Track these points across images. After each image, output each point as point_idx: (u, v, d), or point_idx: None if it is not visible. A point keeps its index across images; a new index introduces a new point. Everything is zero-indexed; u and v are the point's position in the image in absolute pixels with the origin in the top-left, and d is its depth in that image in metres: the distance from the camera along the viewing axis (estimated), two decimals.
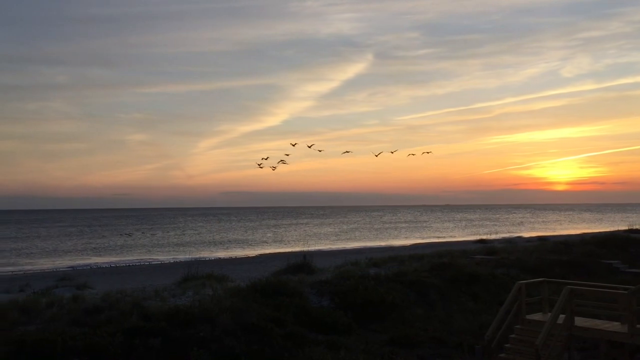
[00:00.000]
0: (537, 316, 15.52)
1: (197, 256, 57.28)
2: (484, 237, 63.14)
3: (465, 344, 16.22)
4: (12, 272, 46.14)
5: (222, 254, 62.25)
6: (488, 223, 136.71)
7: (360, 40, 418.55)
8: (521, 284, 15.78)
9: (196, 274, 22.69)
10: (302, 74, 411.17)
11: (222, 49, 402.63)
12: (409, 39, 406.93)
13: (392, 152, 32.23)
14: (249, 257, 56.79)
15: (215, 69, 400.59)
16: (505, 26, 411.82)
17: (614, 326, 14.03)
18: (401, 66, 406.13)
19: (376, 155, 30.78)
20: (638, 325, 13.35)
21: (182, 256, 58.64)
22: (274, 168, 28.63)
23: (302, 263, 25.58)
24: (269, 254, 59.08)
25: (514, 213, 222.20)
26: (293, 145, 28.62)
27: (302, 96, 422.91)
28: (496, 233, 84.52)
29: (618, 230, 53.87)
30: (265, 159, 28.55)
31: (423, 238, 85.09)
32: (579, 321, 14.43)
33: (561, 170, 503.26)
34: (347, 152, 31.95)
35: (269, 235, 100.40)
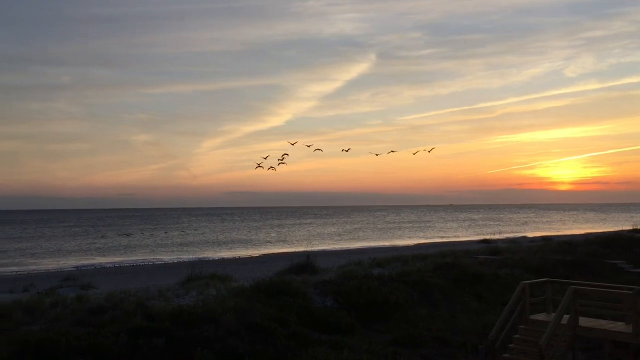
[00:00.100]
0: (541, 316, 15.49)
1: (201, 256, 57.39)
2: (488, 237, 63.08)
3: (468, 344, 16.20)
4: (17, 272, 46.29)
5: (225, 254, 62.30)
6: (491, 223, 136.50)
7: (363, 40, 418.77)
8: (525, 284, 15.75)
9: (200, 274, 22.73)
10: (305, 74, 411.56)
11: (226, 49, 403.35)
12: (411, 39, 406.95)
13: (393, 151, 32.09)
14: (252, 257, 56.83)
15: (218, 69, 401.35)
16: (509, 26, 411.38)
17: (619, 326, 13.99)
18: (404, 66, 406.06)
19: (376, 155, 30.82)
20: None
21: (186, 256, 58.72)
22: (273, 169, 28.48)
23: (305, 263, 25.57)
24: (273, 254, 59.10)
25: (518, 213, 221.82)
26: (292, 144, 28.47)
27: (306, 96, 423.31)
28: (500, 233, 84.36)
29: (622, 230, 53.69)
30: (265, 159, 28.43)
31: (426, 238, 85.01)
32: (583, 321, 14.40)
33: (565, 170, 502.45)
34: (346, 150, 31.94)
35: (272, 235, 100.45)
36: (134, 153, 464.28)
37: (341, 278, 21.42)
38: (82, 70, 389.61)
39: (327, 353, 13.94)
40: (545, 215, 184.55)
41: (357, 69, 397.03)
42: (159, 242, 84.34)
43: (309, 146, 29.18)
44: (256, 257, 55.28)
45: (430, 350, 16.03)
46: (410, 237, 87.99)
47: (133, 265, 50.28)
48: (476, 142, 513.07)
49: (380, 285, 20.83)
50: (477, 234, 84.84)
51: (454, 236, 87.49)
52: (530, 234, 77.74)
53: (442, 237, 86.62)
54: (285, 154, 28.49)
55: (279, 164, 28.37)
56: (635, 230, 48.90)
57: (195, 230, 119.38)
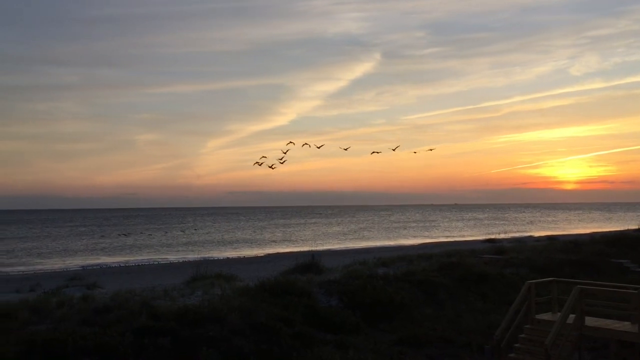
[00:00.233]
0: (546, 316, 15.46)
1: (206, 256, 57.47)
2: (493, 236, 62.95)
3: (474, 344, 16.20)
4: (23, 271, 46.53)
5: (230, 253, 62.40)
6: (496, 222, 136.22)
7: (368, 40, 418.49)
8: (531, 283, 15.72)
9: (205, 273, 22.78)
10: (310, 74, 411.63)
11: (230, 48, 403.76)
12: (416, 38, 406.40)
13: (395, 148, 31.96)
14: (257, 256, 56.90)
15: (223, 68, 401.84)
16: (513, 25, 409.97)
17: (625, 326, 13.95)
18: (409, 65, 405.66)
19: (378, 152, 30.86)
20: None
21: (191, 256, 58.82)
22: (273, 167, 28.51)
23: (310, 263, 25.60)
24: (278, 253, 59.17)
25: (523, 212, 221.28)
26: (293, 144, 28.44)
27: (310, 96, 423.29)
28: (505, 232, 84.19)
29: (628, 230, 53.43)
30: (264, 157, 28.45)
31: (431, 237, 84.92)
32: (589, 321, 14.36)
33: (570, 169, 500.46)
34: (345, 148, 31.93)
35: (277, 234, 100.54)
36: (139, 153, 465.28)
37: (346, 277, 21.43)
38: (88, 71, 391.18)
39: (332, 353, 13.95)
40: (550, 215, 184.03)
41: (362, 68, 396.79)
42: (164, 242, 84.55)
43: (307, 144, 29.26)
44: (261, 257, 55.35)
45: (435, 350, 16.03)
46: (415, 237, 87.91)
47: (138, 265, 50.42)
48: (481, 141, 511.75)
49: (385, 284, 20.84)
50: (482, 234, 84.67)
51: (459, 236, 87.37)
52: (535, 234, 77.53)
53: (447, 236, 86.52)
54: (284, 152, 28.55)
55: (281, 162, 28.43)
56: None
57: (195, 230, 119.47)
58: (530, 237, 63.87)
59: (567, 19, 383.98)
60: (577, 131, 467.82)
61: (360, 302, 18.95)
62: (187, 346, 13.59)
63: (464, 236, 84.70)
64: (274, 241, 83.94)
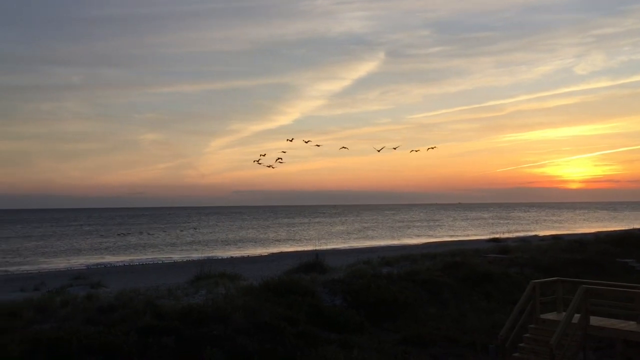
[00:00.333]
0: (551, 315, 15.42)
1: (210, 255, 57.52)
2: (497, 235, 62.82)
3: (478, 343, 16.16)
4: (27, 270, 46.67)
5: (234, 252, 62.44)
6: (501, 222, 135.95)
7: (372, 39, 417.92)
8: (535, 283, 15.67)
9: (209, 272, 22.79)
10: (314, 73, 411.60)
11: (234, 48, 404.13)
12: (420, 37, 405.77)
13: (396, 147, 31.84)
14: (261, 255, 56.90)
15: (227, 68, 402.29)
16: (518, 23, 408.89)
17: (630, 325, 13.89)
18: (413, 64, 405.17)
19: (378, 150, 30.78)
20: None
21: (195, 255, 58.89)
22: (271, 167, 28.53)
23: (314, 262, 25.58)
24: (282, 252, 59.16)
25: (528, 211, 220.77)
26: (290, 141, 28.42)
27: (314, 95, 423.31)
28: (509, 232, 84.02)
29: (633, 229, 53.31)
30: (263, 156, 28.46)
31: (436, 237, 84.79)
32: (594, 320, 14.31)
33: (575, 168, 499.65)
34: (344, 147, 31.96)
35: (281, 234, 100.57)
36: (143, 152, 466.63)
37: (350, 277, 21.41)
38: (91, 71, 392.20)
39: (336, 352, 13.94)
40: (555, 214, 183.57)
41: (366, 67, 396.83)
42: (168, 241, 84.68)
43: (306, 142, 29.26)
44: (265, 256, 55.35)
45: (439, 350, 16.00)
46: (419, 236, 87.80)
47: (143, 264, 50.49)
48: (486, 140, 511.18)
49: (389, 284, 20.81)
50: (487, 233, 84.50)
51: (464, 235, 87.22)
52: (540, 233, 77.38)
53: (451, 235, 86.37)
54: (283, 151, 28.57)
55: (280, 161, 28.47)
56: None
57: (195, 229, 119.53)
58: (535, 236, 63.78)
59: (572, 17, 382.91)
60: (582, 130, 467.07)
61: (364, 302, 18.93)
62: (191, 345, 13.59)
63: (468, 235, 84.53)
64: (278, 240, 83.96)
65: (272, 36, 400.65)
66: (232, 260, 49.26)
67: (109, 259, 58.40)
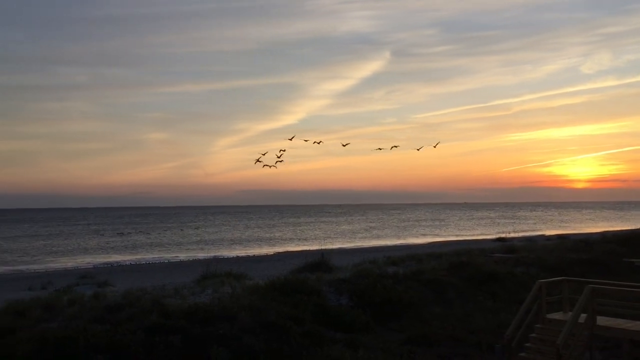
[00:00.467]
0: (557, 315, 15.38)
1: (216, 254, 57.65)
2: (503, 235, 62.70)
3: (484, 343, 16.13)
4: (35, 269, 46.97)
5: (240, 252, 62.58)
6: (507, 221, 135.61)
7: (377, 38, 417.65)
8: (541, 282, 15.64)
9: (215, 272, 22.85)
10: (319, 72, 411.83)
11: (240, 48, 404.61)
12: (426, 36, 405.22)
13: (396, 146, 31.85)
14: (267, 255, 57.01)
15: (232, 68, 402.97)
16: (524, 22, 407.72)
17: (637, 325, 13.84)
18: (418, 63, 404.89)
19: (379, 149, 30.89)
20: None
21: (201, 254, 59.03)
22: (274, 167, 28.57)
23: (320, 261, 25.62)
24: (287, 252, 59.25)
25: (534, 211, 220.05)
26: (290, 140, 28.43)
27: (319, 94, 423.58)
28: (515, 231, 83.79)
29: None
30: (264, 155, 28.49)
31: (441, 236, 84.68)
32: (601, 320, 14.26)
33: (581, 168, 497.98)
34: (344, 144, 32.12)
35: (287, 233, 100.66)
36: (149, 152, 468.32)
37: (356, 276, 21.41)
38: (98, 70, 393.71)
39: (342, 351, 13.95)
40: (561, 214, 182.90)
41: (371, 66, 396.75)
42: (175, 240, 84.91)
43: (306, 140, 29.37)
44: (271, 255, 55.46)
45: (445, 349, 15.98)
46: (425, 235, 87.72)
47: (149, 263, 50.71)
48: (491, 139, 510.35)
49: (395, 283, 20.80)
50: (492, 232, 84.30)
51: (469, 234, 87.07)
52: (546, 232, 77.15)
53: (457, 235, 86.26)
54: (282, 150, 28.59)
55: (277, 161, 28.52)
56: None
57: (196, 229, 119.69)
58: (541, 236, 63.61)
59: (578, 16, 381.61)
60: (588, 129, 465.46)
61: (370, 301, 18.93)
62: (198, 344, 13.64)
63: (474, 235, 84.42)
64: (284, 240, 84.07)
65: (278, 36, 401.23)
66: (238, 259, 49.37)
67: (116, 258, 58.65)
